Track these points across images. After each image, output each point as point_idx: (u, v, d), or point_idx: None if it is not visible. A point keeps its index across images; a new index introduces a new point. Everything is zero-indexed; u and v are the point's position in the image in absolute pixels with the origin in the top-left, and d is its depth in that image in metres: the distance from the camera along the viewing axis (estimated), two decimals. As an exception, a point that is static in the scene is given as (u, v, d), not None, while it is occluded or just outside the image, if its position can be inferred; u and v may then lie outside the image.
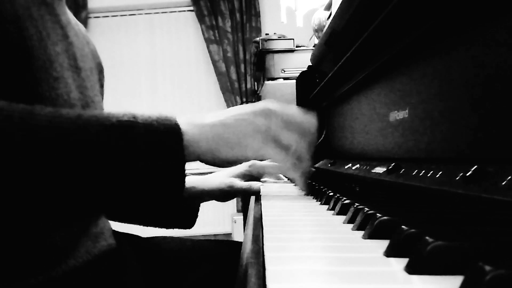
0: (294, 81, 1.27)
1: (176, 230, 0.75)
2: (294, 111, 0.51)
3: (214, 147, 0.43)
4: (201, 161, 0.44)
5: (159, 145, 0.38)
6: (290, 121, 0.50)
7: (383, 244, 0.26)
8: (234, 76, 3.01)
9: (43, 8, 0.48)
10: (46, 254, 0.45)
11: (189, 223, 0.50)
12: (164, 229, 0.74)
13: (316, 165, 0.92)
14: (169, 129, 0.39)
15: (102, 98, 0.71)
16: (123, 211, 0.38)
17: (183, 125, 0.41)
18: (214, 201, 0.73)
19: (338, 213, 0.40)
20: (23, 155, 0.33)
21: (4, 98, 0.37)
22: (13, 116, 0.33)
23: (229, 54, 3.01)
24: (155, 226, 0.72)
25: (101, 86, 0.69)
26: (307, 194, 0.59)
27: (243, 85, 3.02)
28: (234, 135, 0.44)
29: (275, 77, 1.95)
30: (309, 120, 0.53)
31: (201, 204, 0.73)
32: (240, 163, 0.46)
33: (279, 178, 0.87)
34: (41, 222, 0.37)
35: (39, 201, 0.34)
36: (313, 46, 1.38)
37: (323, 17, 1.42)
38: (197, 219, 0.76)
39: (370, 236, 0.29)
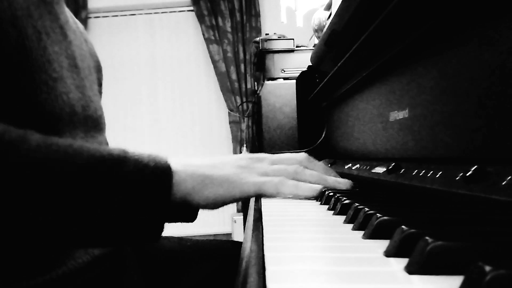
0: (294, 81, 1.27)
1: (176, 230, 0.75)
2: (279, 156, 0.54)
3: (200, 186, 0.43)
4: (188, 202, 0.44)
5: (146, 183, 0.38)
6: (278, 160, 0.52)
7: (383, 244, 0.26)
8: (234, 76, 3.01)
9: (42, 7, 0.48)
10: (45, 256, 0.45)
11: (191, 216, 0.51)
12: (165, 228, 0.73)
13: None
14: (159, 167, 0.39)
15: (100, 97, 0.70)
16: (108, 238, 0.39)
17: (174, 165, 0.41)
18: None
19: (338, 213, 0.40)
20: (7, 178, 0.32)
21: (2, 100, 0.37)
22: (4, 138, 0.33)
23: (229, 54, 3.01)
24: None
25: (100, 85, 0.69)
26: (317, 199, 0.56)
27: (243, 85, 3.02)
28: (220, 175, 0.45)
29: (275, 77, 1.95)
30: (297, 156, 0.54)
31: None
32: (228, 203, 0.47)
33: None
34: (19, 242, 0.37)
35: (19, 224, 0.34)
36: (313, 46, 1.38)
37: (323, 17, 1.42)
38: (197, 219, 0.76)
39: (370, 236, 0.29)
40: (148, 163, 0.39)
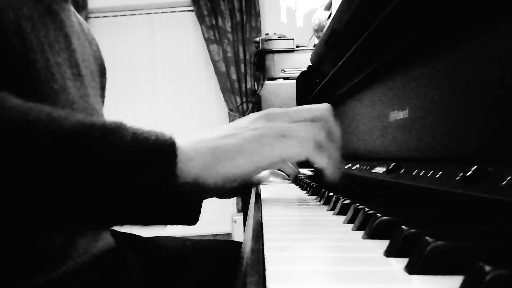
0: (294, 81, 1.27)
1: (176, 230, 0.75)
2: (298, 107, 0.45)
3: (213, 161, 0.37)
4: (201, 184, 0.37)
5: (144, 156, 0.32)
6: (297, 115, 0.43)
7: (383, 244, 0.26)
8: (234, 76, 3.01)
9: (46, 16, 0.48)
10: (45, 255, 0.45)
11: (193, 219, 0.44)
12: (165, 228, 0.73)
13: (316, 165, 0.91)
14: (162, 140, 0.34)
15: (103, 101, 0.70)
16: (114, 216, 0.32)
17: (179, 140, 0.36)
18: (214, 201, 0.72)
19: (338, 213, 0.40)
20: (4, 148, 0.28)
21: None
22: None
23: (229, 54, 3.01)
24: (158, 224, 0.69)
25: (102, 88, 0.69)
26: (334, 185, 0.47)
27: (243, 85, 3.02)
28: (234, 144, 0.38)
29: (275, 77, 1.95)
30: (318, 107, 0.45)
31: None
32: (252, 176, 0.39)
33: (284, 178, 0.86)
34: (29, 224, 0.31)
35: (17, 199, 0.29)
36: (313, 46, 1.38)
37: (323, 17, 1.42)
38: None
39: (370, 236, 0.29)
40: (149, 136, 0.34)
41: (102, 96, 0.69)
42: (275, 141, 0.40)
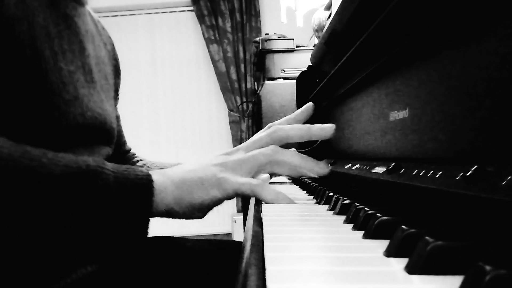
0: (294, 81, 1.27)
1: (176, 230, 0.75)
2: (252, 138, 0.52)
3: (180, 193, 0.42)
4: (171, 213, 0.42)
5: (127, 195, 0.37)
6: (249, 147, 0.51)
7: (383, 244, 0.26)
8: (234, 76, 3.01)
9: (61, 24, 0.48)
10: (56, 265, 0.45)
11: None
12: (165, 229, 0.73)
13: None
14: (140, 178, 0.39)
15: (116, 103, 0.71)
16: (96, 246, 0.37)
17: (153, 175, 0.40)
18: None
19: (338, 213, 0.40)
20: None
21: (11, 125, 0.36)
22: None
23: (229, 54, 3.01)
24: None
25: (116, 90, 0.69)
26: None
27: (243, 85, 3.02)
28: (198, 177, 0.44)
29: (275, 77, 1.95)
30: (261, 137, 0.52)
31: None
32: (208, 209, 0.45)
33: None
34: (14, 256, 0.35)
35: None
36: (313, 46, 1.38)
37: (323, 17, 1.42)
38: (197, 219, 0.76)
39: (370, 236, 0.29)
40: (129, 175, 0.38)
41: (116, 98, 0.69)
42: (231, 176, 0.45)
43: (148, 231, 0.39)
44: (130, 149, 0.83)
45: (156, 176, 0.41)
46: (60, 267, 0.45)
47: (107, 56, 0.63)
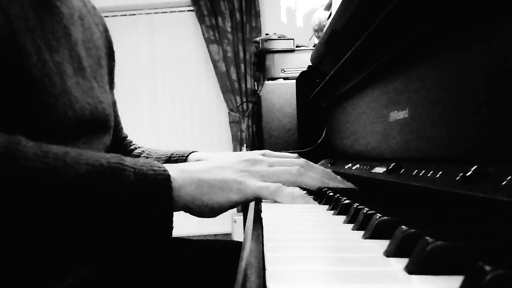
0: (294, 81, 1.27)
1: (176, 230, 0.75)
2: (277, 157, 0.54)
3: (198, 193, 0.43)
4: (187, 209, 0.43)
5: (149, 191, 0.38)
6: (274, 161, 0.51)
7: (383, 244, 0.26)
8: (234, 76, 3.01)
9: (42, 12, 0.45)
10: (59, 264, 0.45)
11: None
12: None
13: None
14: (159, 174, 0.39)
15: (112, 86, 0.69)
16: (118, 243, 0.38)
17: (171, 171, 0.41)
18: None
19: (339, 213, 0.40)
20: (6, 187, 0.31)
21: (4, 122, 0.36)
22: None
23: (229, 54, 3.01)
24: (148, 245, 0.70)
25: (111, 72, 0.67)
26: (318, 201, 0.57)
27: (243, 85, 3.02)
28: (218, 180, 0.44)
29: (275, 77, 1.95)
30: (294, 160, 0.54)
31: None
32: (224, 210, 0.46)
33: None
34: (26, 253, 0.35)
35: (20, 236, 0.33)
36: (313, 46, 1.38)
37: (323, 17, 1.42)
38: (197, 219, 0.76)
39: (370, 236, 0.29)
40: (147, 171, 0.39)
41: (110, 81, 0.67)
42: (251, 181, 0.46)
43: (173, 226, 0.39)
44: (127, 136, 0.82)
45: (174, 172, 0.41)
46: (61, 267, 0.45)
47: (100, 38, 0.61)
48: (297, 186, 0.52)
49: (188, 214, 0.45)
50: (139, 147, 0.81)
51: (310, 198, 0.53)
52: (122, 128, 0.80)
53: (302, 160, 0.55)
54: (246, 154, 0.51)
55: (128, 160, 0.39)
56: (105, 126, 0.57)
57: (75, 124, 0.48)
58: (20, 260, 0.42)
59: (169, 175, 0.40)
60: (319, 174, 0.54)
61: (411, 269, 0.21)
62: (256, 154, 0.52)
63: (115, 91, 0.77)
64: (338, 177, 0.57)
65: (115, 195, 0.36)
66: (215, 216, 0.46)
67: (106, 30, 0.66)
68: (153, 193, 0.38)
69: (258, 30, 3.02)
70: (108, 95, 0.61)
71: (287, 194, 0.47)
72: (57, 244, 0.34)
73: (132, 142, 0.83)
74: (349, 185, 0.56)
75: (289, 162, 0.53)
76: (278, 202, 0.48)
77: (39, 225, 0.33)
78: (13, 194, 0.31)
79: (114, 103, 0.72)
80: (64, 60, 0.48)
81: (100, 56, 0.59)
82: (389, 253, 0.24)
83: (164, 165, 0.42)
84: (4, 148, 0.31)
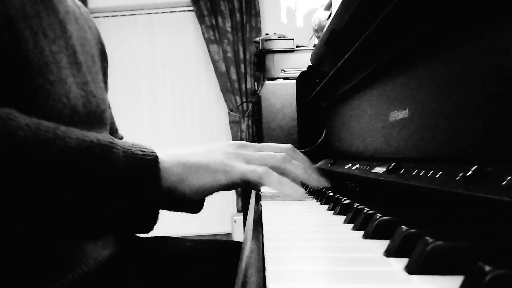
0: (294, 81, 1.27)
1: (176, 230, 0.75)
2: (264, 144, 0.55)
3: (186, 174, 0.43)
4: (174, 191, 0.43)
5: (136, 169, 0.38)
6: (261, 147, 0.53)
7: (383, 244, 0.26)
8: (234, 76, 3.01)
9: (38, 3, 0.46)
10: (54, 263, 0.45)
11: (197, 208, 0.51)
12: (165, 229, 0.73)
13: (316, 165, 0.92)
14: (147, 155, 0.39)
15: (106, 87, 0.69)
16: (107, 222, 0.37)
17: (160, 154, 0.41)
18: (214, 201, 0.72)
19: (338, 213, 0.40)
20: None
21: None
22: None
23: (229, 54, 3.01)
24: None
25: (104, 73, 0.68)
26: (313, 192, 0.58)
27: (243, 85, 3.02)
28: (203, 162, 0.45)
29: (275, 77, 1.95)
30: (281, 145, 0.55)
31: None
32: (210, 193, 0.46)
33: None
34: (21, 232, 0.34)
35: (4, 203, 0.32)
36: (313, 46, 1.38)
37: (323, 17, 1.42)
38: (197, 219, 0.76)
39: (370, 236, 0.29)
40: (136, 151, 0.39)
41: (105, 82, 0.68)
42: (238, 164, 0.47)
43: (159, 207, 0.39)
44: (122, 137, 0.82)
45: (162, 155, 0.42)
46: (58, 266, 0.45)
47: (93, 40, 0.62)
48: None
49: (187, 214, 0.45)
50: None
51: (307, 195, 0.53)
52: (117, 129, 0.80)
53: (288, 145, 0.57)
54: (235, 142, 0.53)
55: (118, 141, 0.39)
56: (100, 122, 0.57)
57: (70, 116, 0.48)
58: (7, 240, 0.41)
59: (157, 156, 0.40)
60: (301, 162, 0.56)
61: (411, 269, 0.21)
62: (243, 142, 0.54)
63: (115, 91, 0.77)
64: (315, 173, 0.59)
65: (103, 171, 0.36)
66: (202, 201, 0.47)
67: (98, 34, 0.67)
68: (141, 171, 0.38)
69: (258, 30, 3.02)
70: (102, 92, 0.61)
71: (275, 179, 0.48)
72: (44, 218, 0.34)
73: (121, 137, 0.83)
74: (326, 183, 0.58)
75: (276, 148, 0.54)
76: (265, 186, 0.48)
77: (27, 196, 0.32)
78: (2, 161, 0.31)
79: (108, 105, 0.73)
80: (60, 52, 0.48)
81: (94, 55, 0.59)
82: (389, 253, 0.24)
83: (153, 147, 0.42)
84: None
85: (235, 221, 2.86)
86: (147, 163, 0.39)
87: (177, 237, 0.71)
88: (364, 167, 0.61)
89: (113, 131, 0.76)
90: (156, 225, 0.41)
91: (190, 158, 0.44)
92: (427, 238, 0.21)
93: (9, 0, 0.41)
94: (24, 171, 0.32)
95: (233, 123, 3.05)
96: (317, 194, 0.56)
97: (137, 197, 0.37)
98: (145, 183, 0.38)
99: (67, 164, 0.34)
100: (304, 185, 0.67)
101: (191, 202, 0.48)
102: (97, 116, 0.56)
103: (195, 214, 0.58)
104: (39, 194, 0.33)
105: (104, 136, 0.38)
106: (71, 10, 0.55)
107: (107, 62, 0.70)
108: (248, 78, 3.01)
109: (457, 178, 0.35)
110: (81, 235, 0.39)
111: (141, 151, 0.40)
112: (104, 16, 3.11)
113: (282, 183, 0.48)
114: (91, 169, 0.35)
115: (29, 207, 0.33)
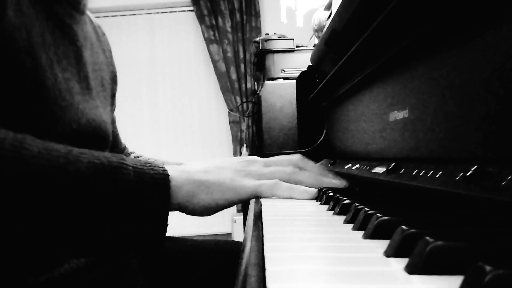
0: (294, 81, 1.27)
1: (176, 230, 0.75)
2: (272, 158, 0.55)
3: (194, 192, 0.44)
4: (184, 208, 0.44)
5: (146, 188, 0.38)
6: (270, 162, 0.53)
7: (383, 244, 0.26)
8: (234, 76, 3.01)
9: (57, 32, 0.48)
10: (48, 254, 0.45)
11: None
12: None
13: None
14: (157, 173, 0.40)
15: (113, 109, 0.72)
16: (115, 240, 0.38)
17: (171, 171, 0.42)
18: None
19: (338, 213, 0.40)
20: (8, 183, 0.32)
21: (8, 118, 0.37)
22: (4, 143, 0.33)
23: (229, 54, 3.01)
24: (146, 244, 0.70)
25: (113, 96, 0.70)
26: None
27: (243, 85, 3.02)
28: (214, 180, 0.45)
29: (275, 77, 1.95)
30: (289, 157, 0.55)
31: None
32: (224, 208, 0.47)
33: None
34: (20, 248, 0.36)
35: (21, 230, 0.33)
36: (313, 46, 1.38)
37: (323, 17, 1.41)
38: (197, 219, 0.76)
39: (370, 236, 0.29)
40: (147, 170, 0.40)
41: (112, 104, 0.70)
42: (248, 181, 0.47)
43: (167, 227, 0.40)
44: (125, 147, 0.83)
45: (173, 172, 0.42)
46: (46, 259, 0.46)
47: (105, 63, 0.63)
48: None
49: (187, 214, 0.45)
50: (137, 156, 0.82)
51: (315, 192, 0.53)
52: (120, 141, 0.82)
53: (297, 156, 0.56)
54: (244, 157, 0.53)
55: (129, 160, 0.40)
56: (104, 144, 0.59)
57: (77, 137, 0.49)
58: (16, 255, 0.42)
59: (168, 174, 0.41)
60: (313, 171, 0.56)
61: (411, 269, 0.20)
62: (251, 157, 0.54)
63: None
64: (330, 174, 0.58)
65: (113, 192, 0.36)
66: (212, 215, 0.47)
67: (111, 56, 0.70)
68: (150, 190, 0.38)
69: (258, 30, 3.02)
70: (108, 116, 0.63)
71: (284, 188, 0.49)
72: (54, 240, 0.35)
73: (130, 153, 0.84)
74: (341, 183, 0.57)
75: (284, 161, 0.54)
76: (277, 197, 0.49)
77: (38, 220, 0.33)
78: (16, 189, 0.32)
79: (113, 120, 0.75)
80: (73, 78, 0.50)
81: (104, 79, 0.61)
82: (389, 253, 0.24)
83: (165, 165, 0.42)
84: (11, 145, 0.33)
85: (235, 221, 2.86)
86: (157, 183, 0.39)
87: (177, 237, 0.72)
88: (364, 167, 0.61)
89: (116, 144, 0.78)
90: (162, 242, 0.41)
91: (201, 176, 0.45)
92: (427, 238, 0.21)
93: (32, 28, 0.43)
94: (36, 198, 0.33)
95: (233, 123, 3.05)
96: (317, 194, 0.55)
97: (146, 217, 0.38)
98: (155, 202, 0.38)
99: (78, 188, 0.35)
100: None
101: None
102: (103, 139, 0.58)
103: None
104: (50, 219, 0.34)
105: (115, 156, 0.39)
106: (89, 37, 0.57)
107: (116, 84, 0.72)
108: (248, 78, 3.01)
109: (457, 178, 0.35)
110: (89, 253, 0.40)
111: (152, 170, 0.40)
112: (104, 16, 3.11)
113: (293, 189, 0.50)
114: (101, 191, 0.36)
115: (39, 231, 0.34)
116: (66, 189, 0.34)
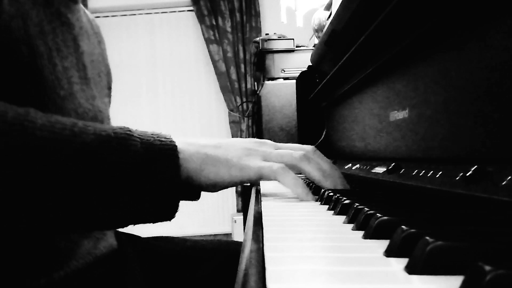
0: (294, 81, 1.27)
1: (176, 230, 0.75)
2: (288, 144, 0.53)
3: (203, 165, 0.43)
4: (190, 181, 0.43)
5: (154, 160, 0.38)
6: (281, 145, 0.52)
7: (383, 244, 0.26)
8: (234, 76, 3.01)
9: (55, 20, 0.48)
10: (48, 256, 0.45)
11: (196, 195, 0.51)
12: (165, 229, 0.73)
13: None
14: (165, 145, 0.39)
15: (110, 100, 0.71)
16: (126, 213, 0.37)
17: (179, 143, 0.41)
18: (214, 201, 0.73)
19: (338, 213, 0.40)
20: (13, 155, 0.31)
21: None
22: (7, 116, 0.32)
23: (229, 54, 3.01)
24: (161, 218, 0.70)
25: (109, 88, 0.70)
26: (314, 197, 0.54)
27: (243, 85, 3.02)
28: (221, 155, 0.45)
29: (275, 77, 1.95)
30: (302, 146, 0.53)
31: (201, 204, 0.73)
32: (229, 186, 0.47)
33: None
34: (30, 227, 0.35)
35: (26, 204, 0.33)
36: (313, 46, 1.38)
37: (323, 17, 1.42)
38: (197, 219, 0.76)
39: (370, 236, 0.29)
40: (154, 141, 0.39)
41: (109, 95, 0.69)
42: (255, 160, 0.47)
43: (179, 198, 0.39)
44: None
45: (181, 144, 0.42)
46: (53, 258, 0.46)
47: (101, 56, 0.63)
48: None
49: (187, 214, 0.45)
50: None
51: (314, 197, 0.53)
52: None
53: (311, 147, 0.54)
54: (255, 139, 0.52)
55: (136, 131, 0.39)
56: None
57: None
58: (15, 256, 0.42)
59: (176, 146, 0.40)
60: (323, 166, 0.53)
61: (411, 269, 0.21)
62: (263, 140, 0.53)
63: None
64: (338, 173, 0.55)
65: (121, 163, 0.36)
66: (217, 191, 0.47)
67: (105, 49, 0.69)
68: (159, 162, 0.38)
69: (258, 30, 3.02)
70: (106, 107, 0.63)
71: (291, 178, 0.47)
72: (61, 213, 0.34)
73: None
74: (345, 188, 0.55)
75: (296, 147, 0.52)
76: (280, 183, 0.47)
77: (46, 194, 0.33)
78: (21, 162, 0.31)
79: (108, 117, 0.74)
80: (71, 67, 0.50)
81: (100, 70, 0.61)
82: (389, 253, 0.24)
83: (172, 137, 0.42)
84: (14, 118, 0.32)
85: (235, 221, 2.86)
86: (166, 153, 0.39)
87: (177, 237, 0.72)
88: (364, 167, 0.61)
89: None
90: (177, 212, 0.40)
91: (209, 151, 0.44)
92: (427, 238, 0.21)
93: (29, 18, 0.43)
94: (42, 171, 0.32)
95: (233, 123, 3.05)
96: (317, 194, 0.55)
97: (157, 187, 0.37)
98: (164, 172, 0.38)
99: (85, 160, 0.34)
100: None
101: (192, 191, 0.48)
102: None
103: (195, 214, 0.58)
104: (58, 191, 0.33)
105: (122, 128, 0.38)
106: (85, 27, 0.57)
107: (111, 77, 0.72)
108: (248, 78, 3.01)
109: (457, 178, 0.35)
110: (103, 226, 0.39)
111: (160, 141, 0.39)
112: (104, 16, 3.11)
113: (297, 184, 0.47)
114: (109, 163, 0.35)
115: (47, 204, 0.33)
116: (73, 161, 0.33)
